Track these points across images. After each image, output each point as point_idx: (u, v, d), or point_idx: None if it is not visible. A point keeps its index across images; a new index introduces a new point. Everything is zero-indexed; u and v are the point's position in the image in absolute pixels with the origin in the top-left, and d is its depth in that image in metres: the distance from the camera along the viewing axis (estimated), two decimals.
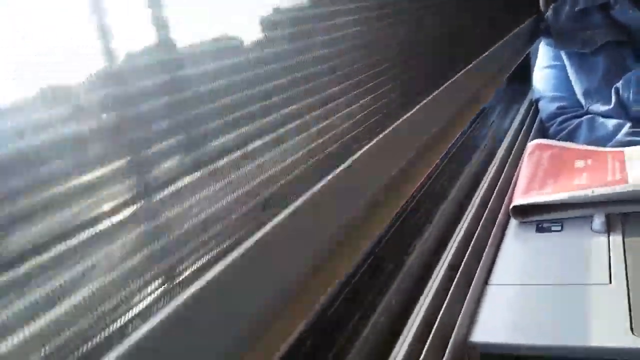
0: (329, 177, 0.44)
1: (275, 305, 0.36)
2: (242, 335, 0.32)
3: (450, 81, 0.77)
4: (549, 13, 1.33)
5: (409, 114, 0.64)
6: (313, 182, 0.42)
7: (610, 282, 0.61)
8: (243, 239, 0.33)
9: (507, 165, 0.96)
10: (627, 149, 0.91)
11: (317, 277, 0.41)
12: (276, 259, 0.36)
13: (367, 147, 0.52)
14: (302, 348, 0.56)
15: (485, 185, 0.87)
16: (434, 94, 0.70)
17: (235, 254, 0.32)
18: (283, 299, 0.37)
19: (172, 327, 0.27)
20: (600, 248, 0.68)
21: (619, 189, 0.75)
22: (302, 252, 0.40)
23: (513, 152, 1.02)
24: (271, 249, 0.35)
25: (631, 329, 0.53)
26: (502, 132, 1.16)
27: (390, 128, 0.58)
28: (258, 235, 0.34)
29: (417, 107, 0.66)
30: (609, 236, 0.70)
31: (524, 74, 1.42)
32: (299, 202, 0.39)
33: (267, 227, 0.35)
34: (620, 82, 1.12)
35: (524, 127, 1.17)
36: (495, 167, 0.94)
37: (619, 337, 0.52)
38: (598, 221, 0.73)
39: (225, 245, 0.32)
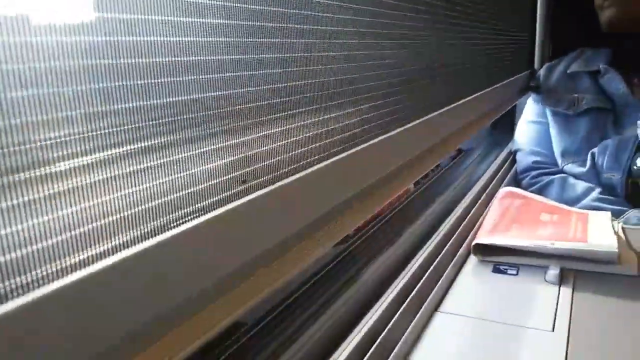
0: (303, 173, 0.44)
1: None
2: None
3: (437, 112, 0.79)
4: (542, 71, 1.37)
5: (392, 133, 0.65)
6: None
7: (553, 330, 0.63)
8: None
9: (476, 205, 0.98)
10: (591, 213, 0.94)
11: (261, 276, 0.40)
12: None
13: (342, 155, 0.52)
14: (229, 341, 0.57)
15: (452, 220, 0.88)
16: (419, 120, 0.72)
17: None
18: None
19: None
20: (549, 297, 0.70)
21: (577, 246, 0.78)
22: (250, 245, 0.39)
23: (484, 195, 1.05)
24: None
25: None
26: (478, 175, 1.18)
27: (370, 143, 0.59)
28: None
29: (402, 128, 0.68)
30: (559, 288, 0.72)
31: (508, 125, 1.45)
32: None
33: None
34: (597, 147, 1.16)
35: (499, 174, 1.20)
36: (464, 206, 0.96)
37: None
38: (552, 273, 0.75)
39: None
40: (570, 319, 0.65)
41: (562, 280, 0.74)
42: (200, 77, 0.32)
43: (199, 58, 0.32)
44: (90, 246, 0.25)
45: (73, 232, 0.24)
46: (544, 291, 0.72)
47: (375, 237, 0.84)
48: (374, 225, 0.87)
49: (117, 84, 0.26)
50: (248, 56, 0.36)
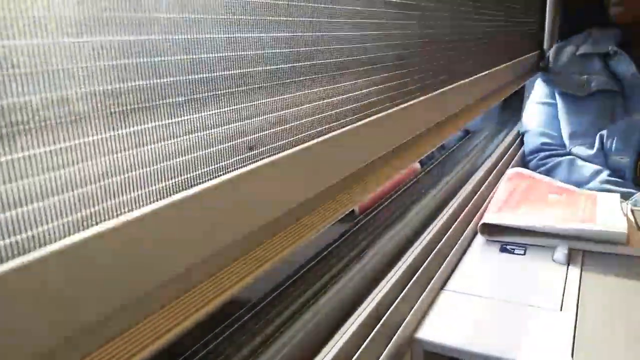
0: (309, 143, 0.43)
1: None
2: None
3: (446, 88, 0.78)
4: (551, 52, 1.35)
5: (400, 107, 0.64)
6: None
7: (561, 309, 0.62)
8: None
9: (483, 186, 0.97)
10: (600, 194, 0.93)
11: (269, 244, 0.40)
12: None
13: (351, 126, 0.51)
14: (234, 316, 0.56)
15: (460, 199, 0.87)
16: (428, 95, 0.70)
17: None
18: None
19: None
20: (557, 277, 0.69)
21: (586, 226, 0.77)
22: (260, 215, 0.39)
23: (492, 176, 1.04)
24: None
25: (572, 354, 0.54)
26: (485, 156, 1.17)
27: (378, 116, 0.58)
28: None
29: (410, 102, 0.66)
30: (567, 268, 0.72)
31: (516, 106, 1.44)
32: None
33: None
34: (606, 130, 1.14)
35: (507, 155, 1.18)
36: (472, 186, 0.95)
37: None
38: (560, 253, 0.74)
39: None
40: (578, 298, 0.64)
41: (570, 260, 0.74)
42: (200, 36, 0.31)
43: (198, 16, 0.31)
44: (98, 205, 0.24)
45: (81, 190, 0.24)
46: (551, 271, 0.71)
47: (382, 216, 0.83)
48: (381, 204, 0.86)
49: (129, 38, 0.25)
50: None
